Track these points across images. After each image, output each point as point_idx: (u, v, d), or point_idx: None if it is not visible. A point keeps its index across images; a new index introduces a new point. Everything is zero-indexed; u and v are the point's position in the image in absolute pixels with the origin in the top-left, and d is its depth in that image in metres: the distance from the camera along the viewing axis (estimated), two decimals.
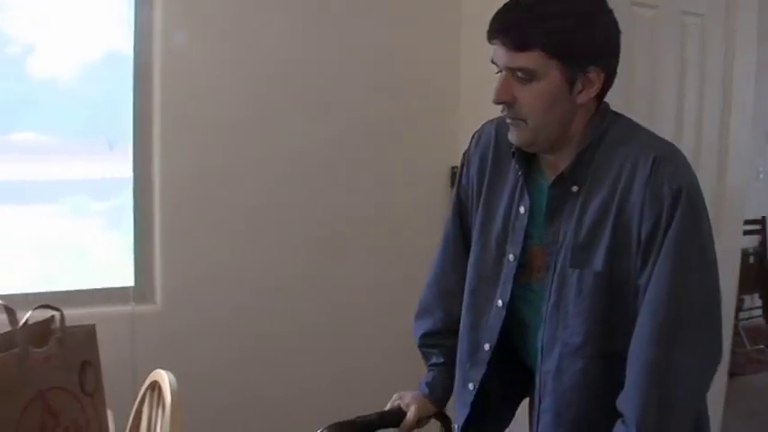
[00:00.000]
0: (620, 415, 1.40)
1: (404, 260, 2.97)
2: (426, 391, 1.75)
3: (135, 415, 2.01)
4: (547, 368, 1.51)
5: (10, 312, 1.72)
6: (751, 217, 4.96)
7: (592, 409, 1.48)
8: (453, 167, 2.93)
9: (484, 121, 1.69)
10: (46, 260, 2.81)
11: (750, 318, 5.56)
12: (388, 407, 1.76)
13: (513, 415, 1.75)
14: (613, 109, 1.52)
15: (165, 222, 2.77)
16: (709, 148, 3.05)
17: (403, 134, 3.08)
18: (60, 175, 2.79)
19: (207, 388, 2.68)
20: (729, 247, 3.07)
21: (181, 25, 2.72)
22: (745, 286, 4.41)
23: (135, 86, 2.72)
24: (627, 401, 1.40)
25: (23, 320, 1.68)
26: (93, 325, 1.80)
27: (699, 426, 1.50)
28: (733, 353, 3.77)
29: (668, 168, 1.39)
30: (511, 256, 1.56)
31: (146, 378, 1.96)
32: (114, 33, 2.76)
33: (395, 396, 1.78)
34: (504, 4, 1.44)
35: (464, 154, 1.71)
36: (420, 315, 1.80)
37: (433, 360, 1.78)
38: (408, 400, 1.75)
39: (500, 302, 1.58)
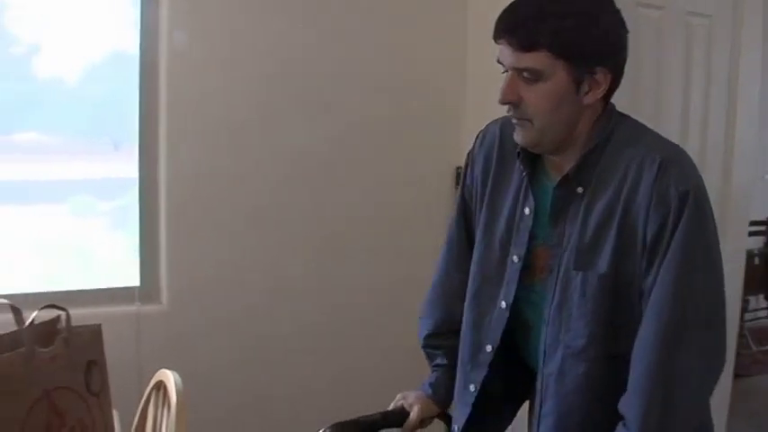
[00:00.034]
0: (622, 418, 1.40)
1: (409, 261, 2.97)
2: (430, 391, 1.75)
3: (140, 415, 2.02)
4: (549, 370, 1.50)
5: (16, 312, 1.73)
6: (756, 218, 4.94)
7: (594, 413, 1.47)
8: (458, 168, 2.93)
9: (489, 122, 1.69)
10: (52, 260, 2.82)
11: (755, 319, 5.55)
12: (391, 407, 1.76)
13: (514, 415, 1.74)
14: (619, 110, 1.51)
15: (170, 222, 2.77)
16: (715, 149, 3.05)
17: (408, 134, 3.08)
18: (66, 176, 2.80)
19: (212, 388, 2.69)
20: (734, 248, 3.06)
21: (187, 25, 2.73)
22: (750, 287, 4.39)
23: (141, 86, 2.73)
24: (629, 403, 1.39)
25: (29, 320, 1.68)
26: (99, 325, 1.80)
27: (702, 430, 1.50)
28: (738, 354, 3.75)
29: (675, 170, 1.39)
30: (515, 257, 1.55)
31: (151, 378, 1.97)
32: (120, 33, 2.76)
33: (398, 396, 1.78)
34: (511, 4, 1.43)
35: (468, 154, 1.71)
36: (424, 316, 1.80)
37: (437, 361, 1.78)
38: (411, 400, 1.74)
39: (503, 304, 1.57)
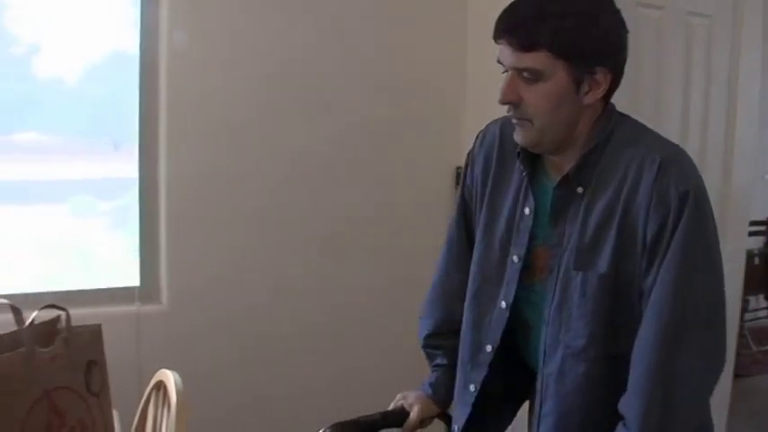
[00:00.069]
0: (622, 418, 1.40)
1: (409, 261, 2.97)
2: (430, 391, 1.75)
3: (140, 415, 2.02)
4: (549, 371, 1.50)
5: (16, 312, 1.73)
6: (756, 218, 4.94)
7: (594, 413, 1.47)
8: (458, 168, 2.93)
9: (489, 122, 1.69)
10: (52, 260, 2.82)
11: (755, 319, 5.55)
12: (391, 407, 1.76)
13: (514, 415, 1.74)
14: (619, 109, 1.51)
15: (170, 222, 2.77)
16: (715, 149, 3.05)
17: (408, 134, 3.08)
18: (66, 176, 2.80)
19: (212, 388, 2.69)
20: (734, 248, 3.06)
21: (187, 25, 2.73)
22: (750, 287, 4.39)
23: (141, 86, 2.73)
24: (629, 403, 1.39)
25: (29, 320, 1.68)
26: (99, 325, 1.80)
27: (702, 430, 1.50)
28: (738, 354, 3.75)
29: (675, 170, 1.39)
30: (515, 257, 1.55)
31: (151, 378, 1.97)
32: (120, 33, 2.76)
33: (398, 396, 1.78)
34: (511, 4, 1.43)
35: (468, 154, 1.71)
36: (424, 316, 1.80)
37: (437, 361, 1.77)
38: (412, 400, 1.74)
39: (503, 304, 1.57)
